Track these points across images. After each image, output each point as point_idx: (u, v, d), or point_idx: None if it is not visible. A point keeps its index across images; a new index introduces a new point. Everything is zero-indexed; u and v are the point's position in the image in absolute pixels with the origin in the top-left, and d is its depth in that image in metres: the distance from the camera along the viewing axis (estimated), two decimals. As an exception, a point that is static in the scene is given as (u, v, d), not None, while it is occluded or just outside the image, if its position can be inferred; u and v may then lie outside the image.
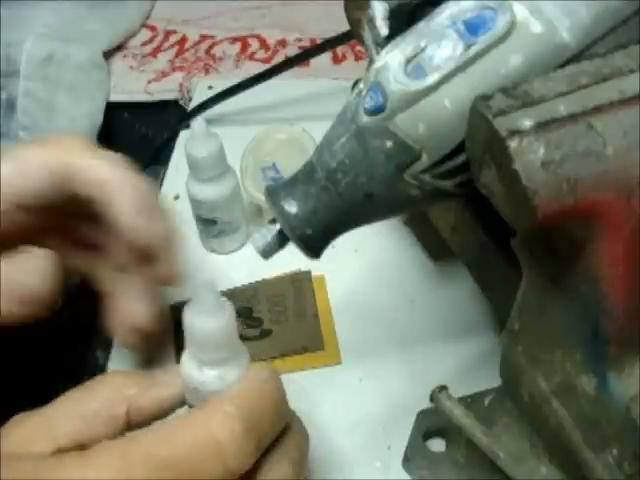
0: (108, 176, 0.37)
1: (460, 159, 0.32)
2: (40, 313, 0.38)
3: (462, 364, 0.48)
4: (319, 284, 0.53)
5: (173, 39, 0.81)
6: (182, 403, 0.35)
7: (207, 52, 0.79)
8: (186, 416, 0.32)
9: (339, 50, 0.75)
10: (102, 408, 0.33)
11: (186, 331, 0.32)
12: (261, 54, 0.77)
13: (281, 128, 0.57)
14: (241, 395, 0.32)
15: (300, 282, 0.52)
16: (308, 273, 0.53)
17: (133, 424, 0.34)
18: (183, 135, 0.67)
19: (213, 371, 0.33)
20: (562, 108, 0.28)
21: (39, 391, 0.44)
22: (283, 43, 0.79)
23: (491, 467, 0.38)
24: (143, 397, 0.34)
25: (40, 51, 0.71)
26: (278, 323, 0.50)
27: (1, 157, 0.39)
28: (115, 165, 0.38)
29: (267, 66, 0.64)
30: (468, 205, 0.44)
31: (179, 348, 0.48)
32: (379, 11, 0.36)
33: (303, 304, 0.51)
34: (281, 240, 0.36)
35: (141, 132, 0.75)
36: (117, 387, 0.34)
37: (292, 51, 0.76)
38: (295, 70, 0.65)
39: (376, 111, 0.32)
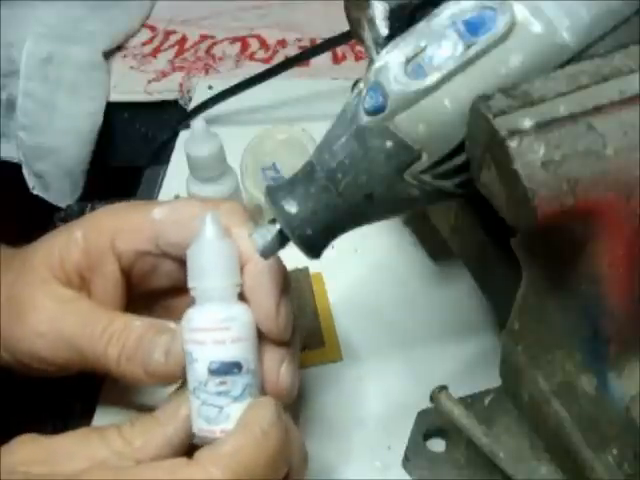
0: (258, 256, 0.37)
1: (460, 159, 0.32)
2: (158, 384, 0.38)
3: (462, 364, 0.47)
4: (317, 281, 0.53)
5: (173, 39, 0.81)
6: (189, 435, 0.35)
7: (207, 52, 0.79)
8: (173, 467, 0.32)
9: (339, 50, 0.75)
10: (111, 459, 0.33)
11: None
12: (261, 54, 0.78)
13: (281, 128, 0.57)
14: (232, 454, 0.32)
15: (298, 280, 0.52)
16: (306, 270, 0.53)
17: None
18: (183, 135, 0.67)
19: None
20: (562, 108, 0.28)
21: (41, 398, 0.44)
22: (283, 43, 0.79)
23: (491, 467, 0.38)
24: (150, 445, 0.34)
25: (40, 51, 0.71)
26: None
27: (160, 205, 0.40)
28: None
29: (267, 66, 0.64)
30: (468, 205, 0.44)
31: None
32: (379, 11, 0.36)
33: (302, 302, 0.51)
34: (281, 240, 0.36)
35: (141, 132, 0.75)
36: (128, 440, 0.34)
37: (292, 51, 0.76)
38: (295, 70, 0.65)
39: (376, 111, 0.32)
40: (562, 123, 0.28)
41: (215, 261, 0.35)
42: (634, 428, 0.32)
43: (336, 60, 0.75)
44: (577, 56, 0.31)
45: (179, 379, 0.37)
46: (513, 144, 0.28)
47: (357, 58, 0.75)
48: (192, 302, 0.36)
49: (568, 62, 0.31)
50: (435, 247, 0.54)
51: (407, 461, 0.43)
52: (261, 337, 0.37)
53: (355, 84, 0.35)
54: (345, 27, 0.43)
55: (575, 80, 0.29)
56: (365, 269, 0.54)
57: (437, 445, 0.43)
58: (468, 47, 0.31)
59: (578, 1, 0.31)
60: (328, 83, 0.71)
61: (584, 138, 0.28)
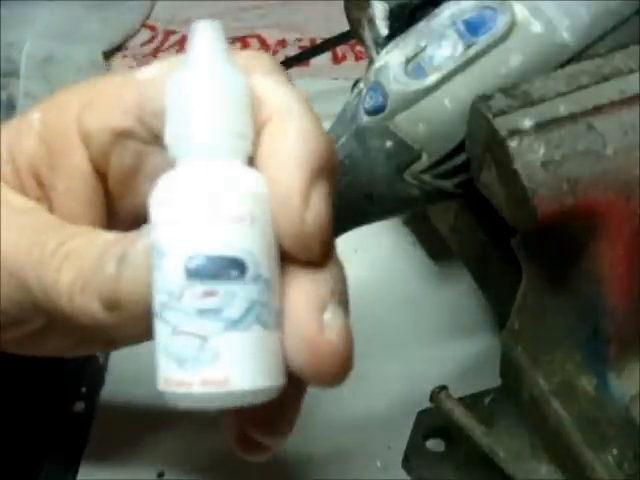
0: (284, 105, 0.24)
1: (460, 159, 0.32)
2: None
3: (462, 364, 0.47)
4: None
5: (173, 39, 0.81)
6: None
7: (207, 52, 0.79)
8: None
9: (339, 50, 0.75)
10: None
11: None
12: (261, 54, 0.78)
13: (281, 128, 0.57)
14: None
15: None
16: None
17: None
18: (183, 135, 0.67)
19: None
20: (562, 108, 0.29)
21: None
22: (283, 43, 0.79)
23: (491, 467, 0.38)
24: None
25: (40, 51, 0.71)
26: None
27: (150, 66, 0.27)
28: (299, 98, 0.24)
29: (267, 66, 0.64)
30: (468, 205, 0.44)
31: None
32: (379, 11, 0.36)
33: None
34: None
35: (141, 132, 0.75)
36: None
37: (292, 51, 0.76)
38: (295, 70, 0.65)
39: (376, 111, 0.32)
40: (562, 123, 0.28)
41: (207, 95, 0.22)
42: (634, 428, 0.32)
43: (336, 60, 0.75)
44: (577, 56, 0.31)
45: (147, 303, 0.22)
46: (513, 144, 0.28)
47: (357, 58, 0.75)
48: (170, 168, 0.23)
49: (568, 62, 0.31)
50: (435, 247, 0.54)
51: (407, 461, 0.43)
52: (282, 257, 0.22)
53: (355, 84, 0.35)
54: (345, 27, 0.43)
55: (575, 80, 0.29)
56: (365, 269, 0.54)
57: (437, 445, 0.43)
58: (468, 47, 0.31)
59: (578, 1, 0.31)
60: (328, 83, 0.70)
61: (584, 138, 0.28)
